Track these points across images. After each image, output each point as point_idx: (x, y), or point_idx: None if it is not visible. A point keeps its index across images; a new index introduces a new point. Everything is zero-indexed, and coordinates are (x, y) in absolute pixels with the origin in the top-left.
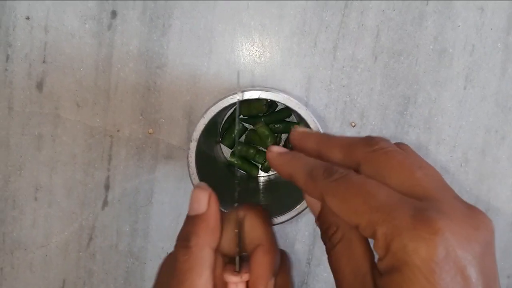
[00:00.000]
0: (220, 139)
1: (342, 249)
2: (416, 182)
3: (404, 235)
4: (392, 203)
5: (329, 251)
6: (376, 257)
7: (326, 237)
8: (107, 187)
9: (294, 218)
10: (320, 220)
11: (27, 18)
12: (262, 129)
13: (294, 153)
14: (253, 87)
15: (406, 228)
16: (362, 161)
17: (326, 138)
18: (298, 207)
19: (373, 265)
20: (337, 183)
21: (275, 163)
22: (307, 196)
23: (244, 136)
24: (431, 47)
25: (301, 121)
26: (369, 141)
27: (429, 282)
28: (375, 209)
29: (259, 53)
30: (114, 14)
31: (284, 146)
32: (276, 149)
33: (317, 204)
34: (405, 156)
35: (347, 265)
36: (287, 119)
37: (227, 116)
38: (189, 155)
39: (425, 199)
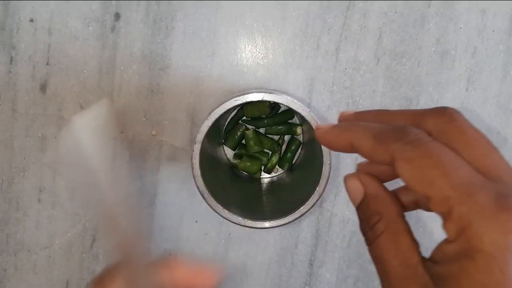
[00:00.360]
0: (223, 141)
1: (387, 240)
2: (492, 163)
3: (485, 221)
4: (474, 183)
5: (371, 243)
6: (438, 238)
7: (367, 227)
8: None
9: (297, 219)
10: (362, 208)
11: (31, 20)
12: (250, 135)
13: (352, 121)
14: (256, 89)
15: (488, 214)
16: (434, 132)
17: (386, 111)
18: (301, 208)
19: (421, 256)
20: (412, 146)
21: (329, 136)
22: (350, 181)
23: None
24: (433, 49)
25: (304, 122)
26: (443, 111)
27: (503, 273)
28: (455, 186)
29: (262, 55)
30: (117, 16)
31: (286, 148)
32: (325, 125)
33: (360, 191)
34: (482, 134)
35: (394, 257)
36: (290, 121)
37: (230, 117)
38: (193, 157)
39: (500, 183)
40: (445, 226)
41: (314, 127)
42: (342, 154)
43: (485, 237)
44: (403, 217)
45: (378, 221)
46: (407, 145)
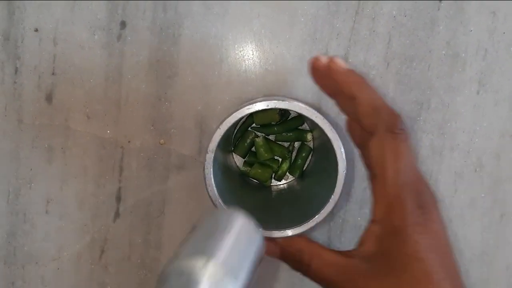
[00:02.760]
0: (233, 149)
1: (317, 262)
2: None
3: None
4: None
5: (306, 272)
6: None
7: (297, 265)
8: (118, 199)
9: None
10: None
11: (36, 30)
12: (260, 142)
13: (364, 78)
14: (265, 96)
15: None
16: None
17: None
18: (316, 217)
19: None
20: (392, 138)
21: (342, 77)
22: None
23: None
24: (444, 52)
25: (314, 128)
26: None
27: (419, 244)
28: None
29: (270, 61)
30: (123, 24)
31: (297, 154)
32: (341, 62)
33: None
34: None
35: (328, 273)
36: (300, 127)
37: (239, 125)
38: (205, 167)
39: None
40: (375, 209)
41: (314, 57)
42: (356, 162)
43: (405, 221)
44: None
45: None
46: (389, 133)
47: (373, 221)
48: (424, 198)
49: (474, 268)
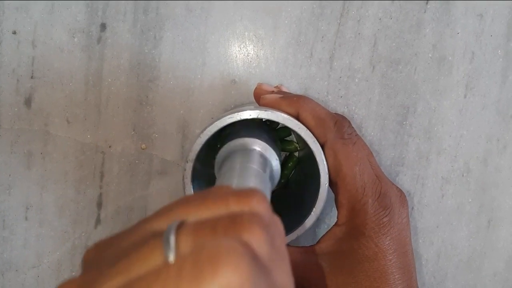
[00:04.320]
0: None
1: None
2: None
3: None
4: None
5: None
6: None
7: None
8: (99, 205)
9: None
10: None
11: (14, 33)
12: None
13: (299, 96)
14: (249, 103)
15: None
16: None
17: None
18: (298, 229)
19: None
20: (342, 144)
21: (276, 106)
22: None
23: None
24: (430, 55)
25: (299, 138)
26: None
27: (378, 247)
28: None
29: (254, 65)
30: (103, 26)
31: (283, 164)
32: (270, 94)
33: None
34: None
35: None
36: (287, 138)
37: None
38: (184, 177)
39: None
40: (338, 214)
41: (257, 85)
42: None
43: (365, 224)
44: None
45: None
46: (339, 140)
47: (336, 225)
48: (387, 198)
49: (461, 275)
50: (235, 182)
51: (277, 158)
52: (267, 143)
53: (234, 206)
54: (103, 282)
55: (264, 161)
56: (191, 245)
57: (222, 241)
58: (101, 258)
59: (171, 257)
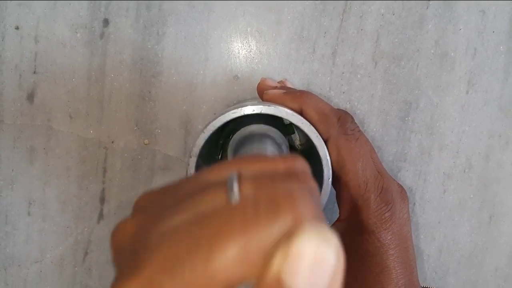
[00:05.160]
0: (221, 151)
1: None
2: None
3: (369, 210)
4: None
5: None
6: None
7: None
8: (102, 200)
9: None
10: None
11: (17, 28)
12: None
13: (302, 92)
14: (252, 98)
15: (377, 214)
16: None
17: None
18: None
19: None
20: (345, 140)
21: (279, 101)
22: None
23: None
24: (432, 51)
25: (301, 135)
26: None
27: (380, 242)
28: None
29: (257, 60)
30: (106, 22)
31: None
32: (274, 90)
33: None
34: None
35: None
36: (292, 135)
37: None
38: (187, 172)
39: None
40: (340, 210)
41: (260, 80)
42: None
43: (368, 220)
44: None
45: None
46: (342, 135)
47: (338, 220)
48: (389, 194)
49: (462, 270)
50: None
51: (287, 145)
52: (278, 130)
53: (282, 166)
54: (167, 218)
55: (278, 146)
56: (254, 191)
57: (290, 184)
58: (159, 203)
59: (236, 199)
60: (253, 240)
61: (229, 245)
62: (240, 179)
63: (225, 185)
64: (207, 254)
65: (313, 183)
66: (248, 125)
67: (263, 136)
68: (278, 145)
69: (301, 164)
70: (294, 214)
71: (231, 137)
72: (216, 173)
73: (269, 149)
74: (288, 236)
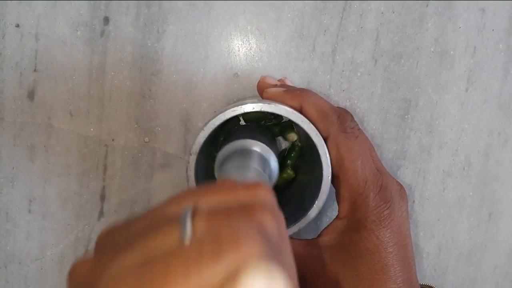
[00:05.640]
0: (219, 149)
1: None
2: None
3: (368, 208)
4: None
5: None
6: None
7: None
8: (102, 198)
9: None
10: None
11: (17, 26)
12: None
13: (302, 89)
14: (252, 96)
15: (376, 213)
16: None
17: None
18: (299, 222)
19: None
20: (345, 138)
21: (279, 99)
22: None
23: None
24: (432, 49)
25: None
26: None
27: (379, 239)
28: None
29: (257, 58)
30: (106, 20)
31: (286, 154)
32: (273, 88)
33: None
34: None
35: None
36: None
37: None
38: (188, 169)
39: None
40: (339, 208)
41: (260, 78)
42: None
43: (367, 217)
44: None
45: None
46: (342, 134)
47: (337, 218)
48: (388, 192)
49: (461, 267)
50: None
51: (276, 160)
52: (266, 144)
53: (243, 196)
54: (118, 259)
55: (264, 161)
56: (206, 229)
57: (240, 221)
58: (115, 241)
59: (188, 238)
60: (194, 284)
61: None
62: (194, 215)
63: (179, 222)
64: None
65: (272, 214)
66: (243, 132)
67: (248, 152)
68: (265, 161)
69: (264, 193)
70: (238, 254)
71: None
72: (174, 206)
73: (253, 166)
74: (232, 278)
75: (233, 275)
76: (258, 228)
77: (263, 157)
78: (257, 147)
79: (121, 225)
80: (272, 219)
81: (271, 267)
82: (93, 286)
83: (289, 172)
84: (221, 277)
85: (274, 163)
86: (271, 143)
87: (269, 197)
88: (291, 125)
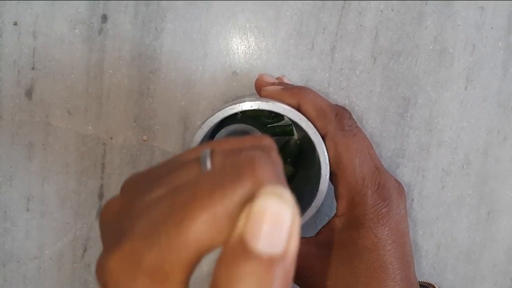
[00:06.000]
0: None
1: None
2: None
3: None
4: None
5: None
6: None
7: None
8: (101, 196)
9: None
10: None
11: (15, 24)
12: None
13: (300, 87)
14: (251, 94)
15: (374, 211)
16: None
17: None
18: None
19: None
20: (343, 136)
21: (277, 97)
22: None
23: None
24: (431, 47)
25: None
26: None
27: (377, 237)
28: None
29: (256, 56)
30: (104, 18)
31: (283, 150)
32: (272, 86)
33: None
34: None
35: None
36: (281, 123)
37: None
38: None
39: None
40: (337, 205)
41: (258, 76)
42: None
43: (365, 215)
44: None
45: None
46: (340, 131)
47: (336, 216)
48: (386, 190)
49: (461, 266)
50: None
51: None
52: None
53: (250, 142)
54: (146, 195)
55: None
56: (223, 161)
57: (253, 151)
58: (140, 183)
59: (208, 168)
60: (219, 206)
61: (198, 211)
62: (212, 153)
63: (200, 160)
64: (179, 221)
65: (276, 156)
66: (243, 121)
67: (244, 134)
68: None
69: (268, 141)
70: (255, 177)
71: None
72: (193, 152)
73: None
74: (251, 199)
75: (251, 196)
76: (271, 159)
77: None
78: (258, 133)
79: (146, 171)
80: (278, 156)
81: (283, 190)
82: (125, 219)
83: (289, 167)
84: (241, 198)
85: None
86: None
87: (273, 144)
88: (290, 130)
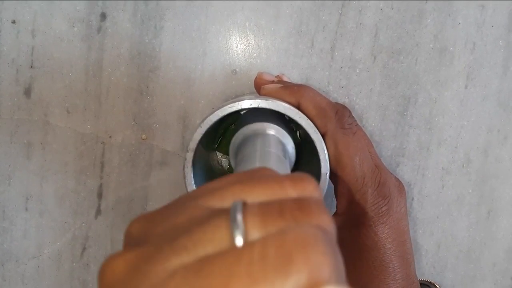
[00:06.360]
0: (216, 146)
1: None
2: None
3: (366, 203)
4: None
5: None
6: None
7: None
8: (100, 196)
9: None
10: None
11: (13, 22)
12: None
13: (299, 86)
14: (250, 92)
15: (374, 213)
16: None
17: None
18: None
19: None
20: (343, 134)
21: (277, 95)
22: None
23: None
24: (431, 45)
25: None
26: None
27: (377, 235)
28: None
29: (255, 55)
30: (103, 16)
31: None
32: (271, 84)
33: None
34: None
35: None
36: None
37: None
38: (185, 166)
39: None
40: (337, 204)
41: (257, 74)
42: None
43: (365, 214)
44: None
45: None
46: (340, 130)
47: (336, 214)
48: (386, 188)
49: (461, 265)
50: (258, 166)
51: (293, 145)
52: (282, 128)
53: (291, 191)
54: (165, 258)
55: (282, 146)
56: (259, 228)
57: (304, 227)
58: (153, 233)
59: (240, 239)
60: None
61: None
62: (244, 210)
63: (228, 215)
64: None
65: (326, 215)
66: (251, 122)
67: (266, 136)
68: (283, 145)
69: (313, 188)
70: (309, 269)
71: (229, 134)
72: (218, 198)
73: (273, 152)
74: None
75: None
76: (320, 231)
77: (281, 142)
78: (274, 130)
79: (156, 215)
80: (329, 218)
81: None
82: (140, 284)
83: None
84: None
85: (291, 148)
86: (285, 126)
87: (318, 193)
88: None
